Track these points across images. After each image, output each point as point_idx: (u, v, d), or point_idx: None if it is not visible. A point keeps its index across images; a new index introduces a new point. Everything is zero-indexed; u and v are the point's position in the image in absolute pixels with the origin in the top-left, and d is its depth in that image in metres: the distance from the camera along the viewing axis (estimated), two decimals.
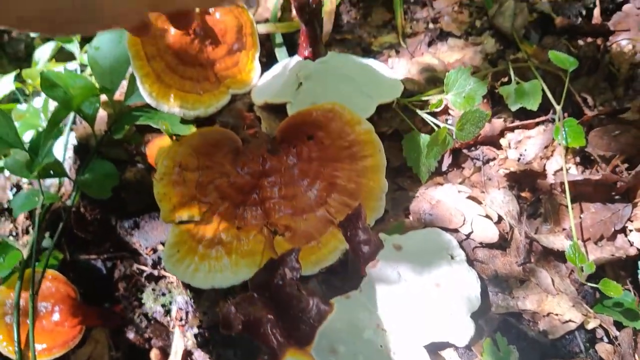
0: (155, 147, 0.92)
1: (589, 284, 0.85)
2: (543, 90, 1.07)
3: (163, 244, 0.97)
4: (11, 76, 1.44)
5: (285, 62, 1.13)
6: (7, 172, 1.38)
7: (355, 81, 1.06)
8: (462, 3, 1.28)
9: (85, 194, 0.98)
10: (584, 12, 1.26)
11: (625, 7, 1.23)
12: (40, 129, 1.26)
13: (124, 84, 1.05)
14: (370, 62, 1.13)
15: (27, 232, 1.34)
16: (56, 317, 0.98)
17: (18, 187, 1.33)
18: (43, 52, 1.58)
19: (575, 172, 1.01)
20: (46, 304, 0.98)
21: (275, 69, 1.14)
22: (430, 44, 1.22)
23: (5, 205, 1.34)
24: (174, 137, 0.92)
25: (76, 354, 1.09)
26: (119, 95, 1.09)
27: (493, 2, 1.24)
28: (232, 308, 0.66)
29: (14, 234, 1.33)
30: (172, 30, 1.03)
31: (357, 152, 0.90)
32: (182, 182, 0.85)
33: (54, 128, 0.93)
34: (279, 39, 1.20)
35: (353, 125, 0.90)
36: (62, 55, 1.61)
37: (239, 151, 0.93)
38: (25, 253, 0.99)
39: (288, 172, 0.93)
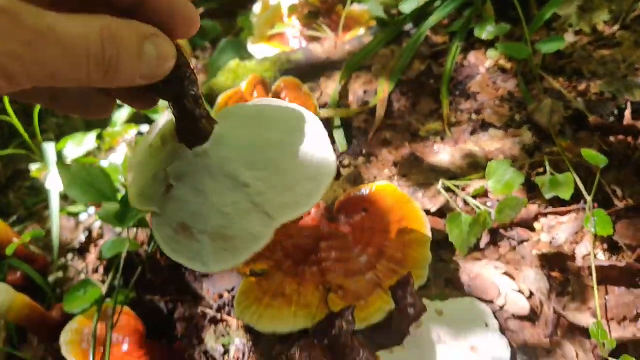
0: None
1: (610, 359, 0.93)
2: (575, 181, 1.18)
3: (229, 291, 1.09)
4: (94, 135, 1.64)
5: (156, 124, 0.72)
6: (81, 217, 1.56)
7: (249, 187, 0.64)
8: (503, 98, 1.43)
9: None
10: (616, 112, 1.39)
11: None
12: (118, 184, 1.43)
13: None
14: (293, 121, 0.69)
15: (96, 271, 1.49)
16: (125, 347, 1.10)
17: (89, 231, 1.50)
18: (121, 115, 1.79)
19: (602, 258, 1.11)
20: (118, 335, 1.10)
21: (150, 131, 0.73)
22: (472, 133, 1.37)
23: (77, 246, 1.51)
24: None
25: None
26: None
27: (533, 99, 1.39)
28: (297, 351, 0.78)
29: (84, 272, 1.49)
30: None
31: (405, 226, 1.03)
32: None
33: None
34: (337, 122, 1.36)
35: (404, 203, 1.04)
36: (135, 118, 1.82)
37: (303, 217, 1.07)
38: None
39: (343, 239, 1.07)
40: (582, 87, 1.41)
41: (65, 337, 1.06)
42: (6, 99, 1.39)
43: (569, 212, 1.20)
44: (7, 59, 0.42)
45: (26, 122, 1.67)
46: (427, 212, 1.14)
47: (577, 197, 1.18)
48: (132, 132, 1.59)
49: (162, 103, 0.63)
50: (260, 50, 1.69)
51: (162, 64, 0.54)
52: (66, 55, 0.46)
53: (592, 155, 1.17)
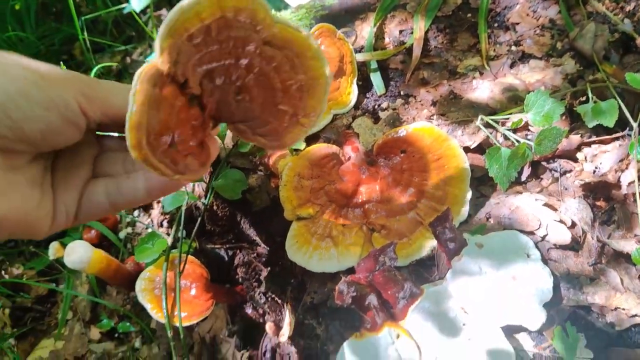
0: (277, 159, 1.13)
1: None
2: (620, 108, 1.16)
3: (281, 236, 1.17)
4: None
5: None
6: None
7: None
8: (543, 26, 1.39)
9: (217, 194, 1.21)
10: None
11: None
12: None
13: None
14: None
15: (161, 225, 1.61)
16: (193, 292, 1.21)
17: None
18: None
19: None
20: (185, 281, 1.21)
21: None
22: (512, 66, 1.35)
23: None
24: (293, 152, 1.13)
25: (200, 326, 1.33)
26: None
27: (574, 25, 1.35)
28: (344, 286, 0.85)
29: (150, 226, 1.61)
30: None
31: (444, 164, 1.06)
32: (300, 187, 1.06)
33: None
34: (373, 65, 1.38)
35: (441, 141, 1.06)
36: None
37: (343, 162, 1.12)
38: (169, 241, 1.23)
39: (383, 181, 1.11)
40: (629, 7, 1.35)
41: (140, 285, 1.18)
42: (63, 67, 1.47)
43: (613, 140, 1.19)
44: None
45: None
46: (467, 149, 1.16)
47: (621, 125, 1.16)
48: None
49: None
50: None
51: None
52: None
53: (637, 80, 1.14)
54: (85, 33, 1.87)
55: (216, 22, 0.56)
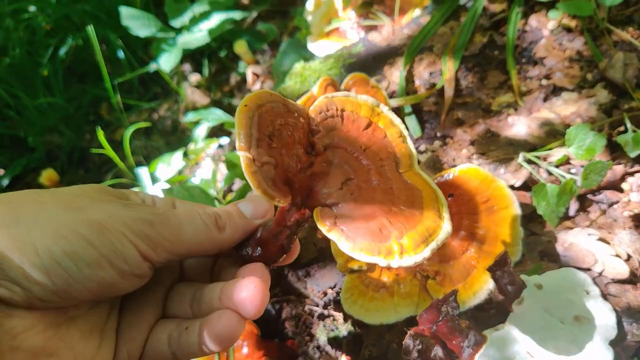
0: None
1: None
2: None
3: (331, 288, 1.17)
4: (180, 154, 1.74)
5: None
6: None
7: None
8: (571, 58, 1.41)
9: None
10: None
11: None
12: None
13: None
14: None
15: None
16: (245, 350, 1.20)
17: None
18: (201, 131, 1.89)
19: None
20: (237, 340, 1.21)
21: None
22: (545, 100, 1.36)
23: None
24: None
25: None
26: None
27: (602, 55, 1.36)
28: (410, 340, 0.84)
29: None
30: None
31: (493, 205, 1.06)
32: None
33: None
34: (408, 109, 1.40)
35: (488, 182, 1.06)
36: (214, 132, 1.92)
37: None
38: None
39: None
40: None
41: None
42: (100, 132, 1.51)
43: None
44: None
45: (114, 148, 1.80)
46: (512, 187, 1.16)
47: None
48: (214, 146, 1.69)
49: None
50: (320, 47, 1.73)
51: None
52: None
53: None
54: (119, 94, 1.92)
55: None
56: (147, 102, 2.41)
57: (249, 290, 0.61)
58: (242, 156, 0.61)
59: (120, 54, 2.37)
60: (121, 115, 2.04)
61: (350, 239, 0.62)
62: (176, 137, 2.33)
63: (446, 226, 0.68)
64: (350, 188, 0.70)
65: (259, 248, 0.70)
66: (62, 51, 2.42)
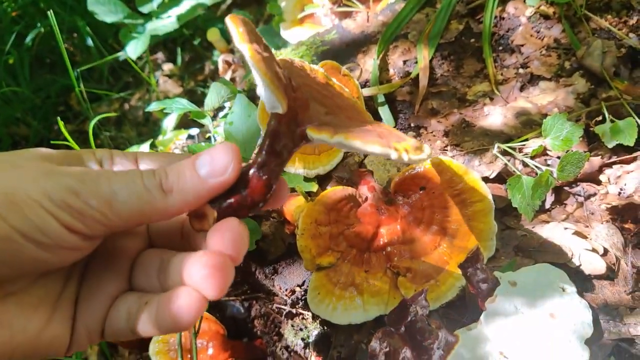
0: (291, 205, 1.09)
1: None
2: (638, 125, 1.13)
3: (299, 286, 1.12)
4: (147, 145, 1.68)
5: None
6: None
7: None
8: (549, 46, 1.36)
9: None
10: None
11: None
12: None
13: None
14: None
15: None
16: (210, 351, 1.15)
17: None
18: (169, 122, 1.82)
19: None
20: (201, 341, 1.15)
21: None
22: (522, 89, 1.32)
23: None
24: (308, 197, 1.08)
25: None
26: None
27: (580, 42, 1.32)
28: (377, 343, 0.80)
29: None
30: None
31: (466, 198, 1.02)
32: (318, 235, 1.01)
33: None
34: (381, 99, 1.35)
35: (461, 174, 1.02)
36: (183, 123, 1.86)
37: (360, 204, 1.08)
38: None
39: (404, 220, 1.06)
40: (632, 21, 1.33)
41: (154, 348, 1.12)
42: (60, 123, 1.44)
43: (635, 158, 1.15)
44: None
45: (84, 139, 1.73)
46: (486, 179, 1.12)
47: None
48: (183, 137, 1.63)
49: None
50: (293, 34, 1.67)
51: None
52: None
53: None
54: (82, 84, 1.84)
55: None
56: (117, 92, 2.33)
57: (211, 266, 0.53)
58: (247, 47, 0.52)
59: (89, 41, 2.28)
60: (85, 104, 1.96)
61: (359, 136, 0.55)
62: (148, 128, 2.26)
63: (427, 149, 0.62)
64: (333, 113, 0.63)
65: (231, 198, 0.58)
66: (29, 38, 2.32)
